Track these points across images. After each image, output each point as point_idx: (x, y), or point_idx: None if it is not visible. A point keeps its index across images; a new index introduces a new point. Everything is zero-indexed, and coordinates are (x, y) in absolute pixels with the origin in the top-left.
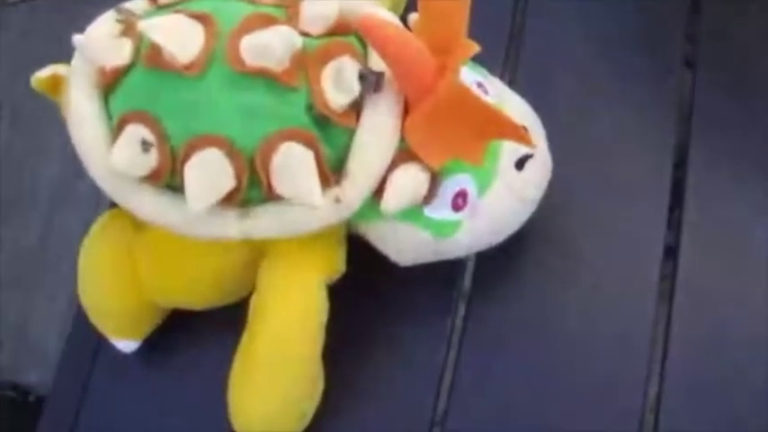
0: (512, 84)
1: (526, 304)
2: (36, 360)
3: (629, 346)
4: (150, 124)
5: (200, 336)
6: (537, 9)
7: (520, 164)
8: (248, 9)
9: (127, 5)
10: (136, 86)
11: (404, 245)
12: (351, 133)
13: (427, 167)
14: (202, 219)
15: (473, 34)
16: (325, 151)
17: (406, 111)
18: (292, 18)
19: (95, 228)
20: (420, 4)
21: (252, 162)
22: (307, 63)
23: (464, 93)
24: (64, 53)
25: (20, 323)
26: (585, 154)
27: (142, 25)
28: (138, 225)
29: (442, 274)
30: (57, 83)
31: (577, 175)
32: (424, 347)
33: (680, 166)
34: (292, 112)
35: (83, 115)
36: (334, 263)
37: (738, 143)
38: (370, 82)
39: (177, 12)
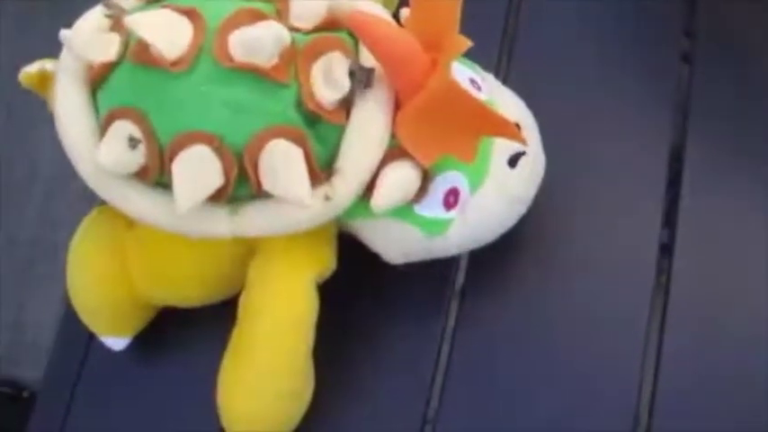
0: (506, 80)
1: (519, 302)
2: (30, 355)
3: (623, 345)
4: (138, 120)
5: (191, 333)
6: (532, 4)
7: (512, 161)
8: (236, 4)
9: (115, 0)
10: (123, 82)
11: (394, 243)
12: (341, 130)
13: (418, 165)
14: (191, 217)
15: (466, 30)
16: (315, 148)
17: (398, 107)
18: (281, 13)
19: (84, 224)
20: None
21: (240, 159)
22: (296, 59)
23: (455, 89)
24: (61, 48)
25: (14, 318)
26: (580, 150)
27: (129, 21)
28: (128, 222)
29: (435, 271)
30: (44, 78)
31: (572, 171)
32: (417, 345)
33: (677, 160)
34: (281, 108)
35: (70, 111)
36: (325, 260)
37: (735, 138)
38: (361, 78)
39: (165, 6)
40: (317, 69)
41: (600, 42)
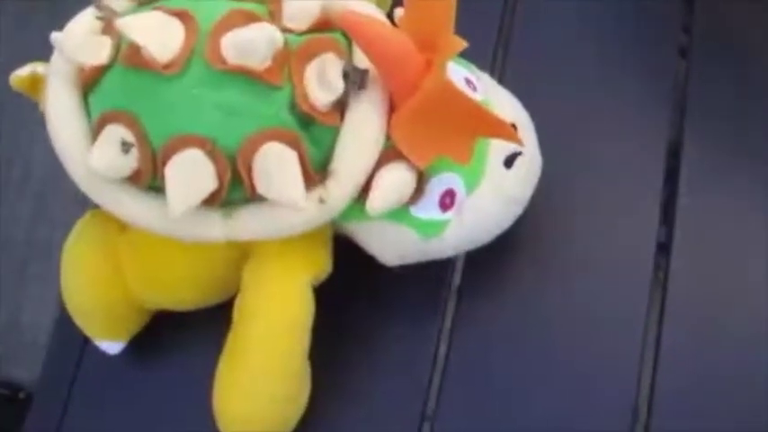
0: (501, 78)
1: (516, 302)
2: (27, 355)
3: (621, 344)
4: (130, 124)
5: (187, 335)
6: (527, 3)
7: (509, 162)
8: (229, 5)
9: (107, 1)
10: (115, 85)
11: (390, 245)
12: (335, 132)
13: (414, 166)
14: (185, 221)
15: (462, 28)
16: (309, 150)
17: (392, 108)
18: (274, 14)
19: (78, 227)
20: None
21: (234, 162)
22: (290, 60)
23: (450, 90)
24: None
25: (11, 318)
26: (577, 148)
27: (120, 24)
28: (121, 225)
29: (431, 272)
30: (36, 81)
31: (569, 170)
32: (414, 347)
33: (674, 156)
34: (274, 111)
35: (61, 114)
36: (320, 263)
37: (733, 133)
38: (355, 79)
39: (156, 8)
40: (311, 71)
41: (596, 41)
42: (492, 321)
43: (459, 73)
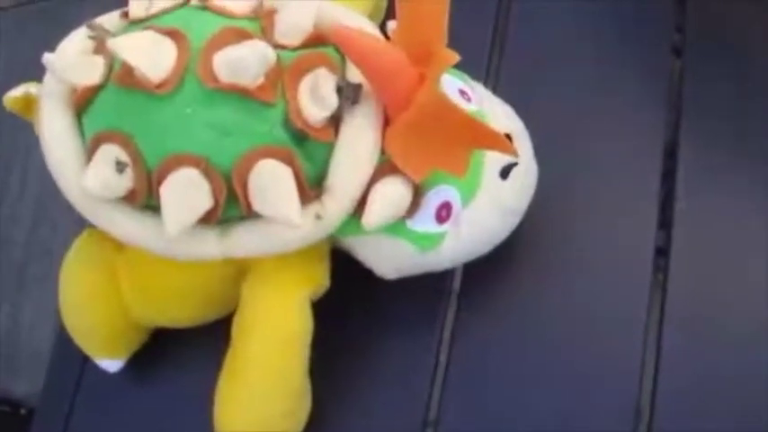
0: (497, 80)
1: (516, 307)
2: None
3: (622, 346)
4: (124, 144)
5: (187, 351)
6: (522, 4)
7: (505, 173)
8: (221, 22)
9: (99, 21)
10: (108, 105)
11: (387, 259)
12: (330, 147)
13: (409, 180)
14: (181, 240)
15: (456, 31)
16: (304, 167)
17: (386, 122)
18: (266, 30)
19: (75, 246)
20: (398, 12)
21: (229, 180)
22: (282, 77)
23: (444, 103)
24: None
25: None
26: (573, 149)
27: (112, 44)
28: (118, 243)
29: (429, 280)
30: (29, 102)
31: (565, 171)
32: (413, 357)
33: (671, 157)
34: (267, 128)
35: (55, 135)
36: (318, 278)
37: (729, 133)
38: (348, 94)
39: (148, 28)
40: (304, 87)
41: (590, 42)
42: (492, 326)
43: (453, 84)
